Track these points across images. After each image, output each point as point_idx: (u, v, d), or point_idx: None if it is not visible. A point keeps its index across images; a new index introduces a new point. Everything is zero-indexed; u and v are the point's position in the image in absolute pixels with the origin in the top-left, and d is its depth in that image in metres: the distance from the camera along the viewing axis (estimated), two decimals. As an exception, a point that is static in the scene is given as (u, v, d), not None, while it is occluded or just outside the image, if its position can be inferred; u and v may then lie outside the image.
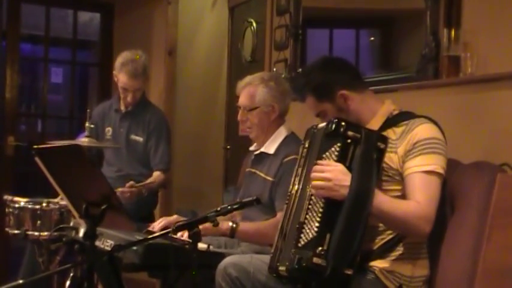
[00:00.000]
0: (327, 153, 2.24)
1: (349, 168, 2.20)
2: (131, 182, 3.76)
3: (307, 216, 2.21)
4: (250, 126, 3.11)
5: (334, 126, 2.23)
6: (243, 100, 3.11)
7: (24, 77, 6.76)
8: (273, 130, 3.10)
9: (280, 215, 2.81)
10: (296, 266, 2.17)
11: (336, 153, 2.22)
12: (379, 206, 2.19)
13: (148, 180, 3.93)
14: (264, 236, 2.82)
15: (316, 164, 2.24)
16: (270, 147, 3.07)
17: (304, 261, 2.15)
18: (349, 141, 2.22)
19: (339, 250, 2.13)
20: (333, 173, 2.17)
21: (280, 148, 3.04)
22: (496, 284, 2.19)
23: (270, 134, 3.10)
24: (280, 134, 3.09)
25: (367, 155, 2.21)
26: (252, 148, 3.24)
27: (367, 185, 2.18)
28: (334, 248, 2.13)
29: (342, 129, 2.21)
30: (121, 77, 4.02)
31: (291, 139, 3.07)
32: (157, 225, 2.94)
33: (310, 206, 2.22)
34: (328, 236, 2.15)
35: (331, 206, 2.18)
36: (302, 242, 2.19)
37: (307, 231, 2.19)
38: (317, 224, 2.17)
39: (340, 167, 2.20)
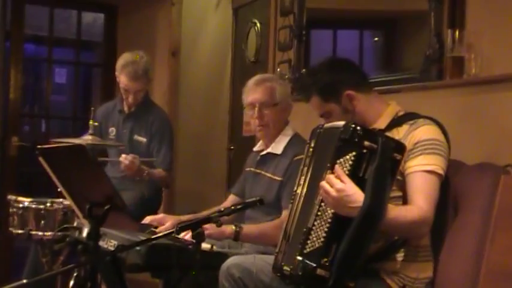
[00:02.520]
0: (341, 160, 2.15)
1: (362, 178, 2.13)
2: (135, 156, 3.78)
3: (316, 223, 2.17)
4: (266, 124, 3.05)
5: (350, 132, 2.15)
6: (261, 96, 3.05)
7: (28, 77, 6.78)
8: (280, 130, 3.09)
9: (285, 214, 2.81)
10: (300, 273, 2.16)
11: (351, 162, 2.14)
12: (387, 224, 2.15)
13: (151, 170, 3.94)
14: (268, 237, 2.82)
15: (328, 168, 2.16)
16: (277, 148, 3.06)
17: (307, 271, 2.13)
18: (364, 151, 2.14)
19: (343, 263, 2.11)
20: (339, 194, 2.10)
21: (288, 148, 3.03)
22: (499, 286, 2.19)
23: (277, 134, 3.09)
24: (286, 134, 3.09)
25: (382, 168, 2.13)
26: (256, 148, 3.23)
27: (379, 201, 2.11)
28: (339, 261, 2.11)
29: (357, 137, 2.14)
30: (122, 79, 4.02)
31: (298, 139, 3.07)
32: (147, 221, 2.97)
33: (319, 213, 2.18)
34: (334, 246, 2.12)
35: (341, 217, 2.14)
36: (308, 249, 2.17)
37: (314, 239, 2.16)
38: (324, 234, 2.14)
39: (347, 187, 2.10)
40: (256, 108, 3.05)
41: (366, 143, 2.14)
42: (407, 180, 2.28)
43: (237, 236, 2.85)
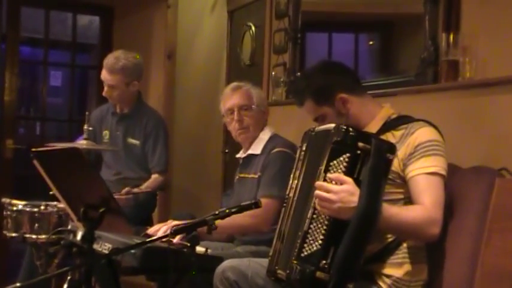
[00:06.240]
0: (335, 162, 2.16)
1: (356, 180, 2.13)
2: (127, 189, 3.74)
3: (311, 226, 2.17)
4: (246, 127, 3.14)
5: (342, 134, 2.16)
6: (240, 100, 3.15)
7: (23, 79, 6.76)
8: (259, 132, 3.17)
9: (262, 202, 2.83)
10: (298, 277, 2.15)
11: (345, 163, 2.14)
12: (387, 221, 2.15)
13: (145, 185, 3.90)
14: (236, 224, 2.87)
15: (323, 171, 2.16)
16: (257, 148, 3.14)
17: (306, 275, 2.13)
18: (358, 152, 2.14)
19: (342, 265, 2.10)
20: (339, 195, 2.09)
21: (267, 146, 3.11)
22: (494, 288, 2.19)
23: (256, 137, 3.16)
24: (265, 135, 3.17)
25: (376, 168, 2.14)
26: (238, 155, 3.27)
27: (375, 202, 2.11)
28: (338, 263, 2.10)
29: (350, 139, 2.15)
30: (103, 70, 4.01)
31: (275, 137, 3.16)
32: (153, 231, 2.95)
33: (314, 216, 2.17)
34: (332, 248, 2.12)
35: (338, 219, 2.13)
36: (305, 253, 2.16)
37: (311, 242, 2.16)
38: (322, 237, 2.14)
39: (348, 186, 2.11)
40: (236, 112, 3.13)
41: (360, 144, 2.15)
42: (410, 184, 2.28)
43: (209, 229, 2.86)
